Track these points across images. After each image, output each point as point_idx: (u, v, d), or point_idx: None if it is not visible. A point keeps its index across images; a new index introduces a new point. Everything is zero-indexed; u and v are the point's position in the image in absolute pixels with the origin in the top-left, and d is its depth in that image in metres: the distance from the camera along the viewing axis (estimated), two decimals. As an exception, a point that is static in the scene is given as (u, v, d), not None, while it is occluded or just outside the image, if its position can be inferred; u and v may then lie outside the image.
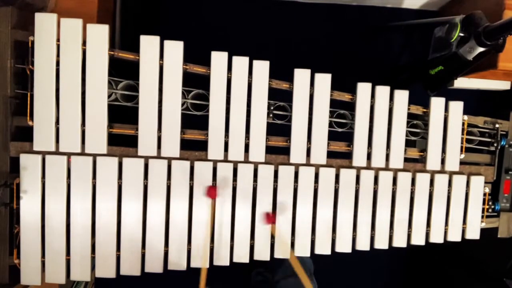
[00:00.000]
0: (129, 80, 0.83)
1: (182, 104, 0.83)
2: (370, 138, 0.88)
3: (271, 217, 0.84)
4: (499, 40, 0.87)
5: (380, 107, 0.88)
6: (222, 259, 0.85)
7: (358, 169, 0.89)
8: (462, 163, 0.93)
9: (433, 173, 0.92)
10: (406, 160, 0.91)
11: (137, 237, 0.83)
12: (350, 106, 0.90)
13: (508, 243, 1.05)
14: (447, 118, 0.91)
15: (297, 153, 0.86)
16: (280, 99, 0.87)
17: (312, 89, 0.86)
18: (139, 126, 0.82)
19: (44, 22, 0.78)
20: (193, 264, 0.85)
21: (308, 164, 0.87)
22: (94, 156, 0.81)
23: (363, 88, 0.88)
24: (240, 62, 0.84)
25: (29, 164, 0.80)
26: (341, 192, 0.88)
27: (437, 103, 0.91)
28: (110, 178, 0.82)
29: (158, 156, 0.83)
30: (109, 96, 0.82)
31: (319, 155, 0.87)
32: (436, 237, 0.93)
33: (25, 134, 0.81)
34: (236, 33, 1.57)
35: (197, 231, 0.84)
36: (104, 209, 0.82)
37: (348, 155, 0.90)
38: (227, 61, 0.83)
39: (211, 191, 0.82)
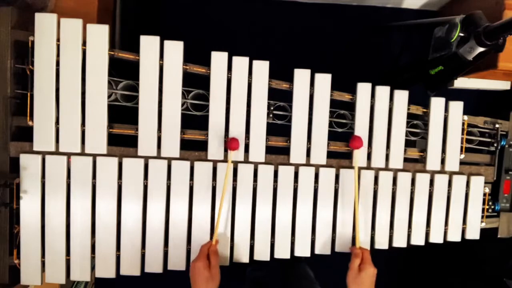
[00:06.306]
0: (129, 80, 0.83)
1: (182, 104, 0.83)
2: (370, 138, 0.88)
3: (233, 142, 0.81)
4: (499, 40, 0.87)
5: (380, 107, 0.88)
6: (222, 259, 0.85)
7: (358, 169, 0.89)
8: (462, 163, 0.93)
9: (433, 173, 0.92)
10: (406, 160, 0.91)
11: (137, 237, 0.83)
12: (350, 106, 0.90)
13: (508, 243, 1.05)
14: (447, 118, 0.91)
15: (297, 153, 0.86)
16: (280, 99, 0.87)
17: (312, 89, 0.86)
18: (139, 126, 0.82)
19: (44, 22, 0.78)
20: (193, 264, 0.85)
21: (308, 164, 0.87)
22: (94, 156, 0.81)
23: (363, 88, 0.88)
24: (240, 62, 0.84)
25: (29, 164, 0.80)
26: (341, 192, 0.88)
27: (437, 103, 0.91)
28: (110, 178, 0.82)
29: (158, 156, 0.83)
30: (109, 96, 0.82)
31: (319, 155, 0.87)
32: (436, 237, 0.92)
33: (25, 134, 0.81)
34: (236, 33, 1.57)
35: (197, 231, 0.84)
36: (104, 209, 0.82)
37: (348, 155, 0.90)
38: (227, 61, 0.83)
39: (233, 143, 0.81)
